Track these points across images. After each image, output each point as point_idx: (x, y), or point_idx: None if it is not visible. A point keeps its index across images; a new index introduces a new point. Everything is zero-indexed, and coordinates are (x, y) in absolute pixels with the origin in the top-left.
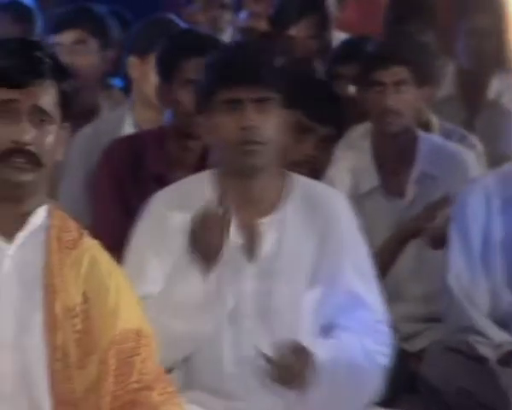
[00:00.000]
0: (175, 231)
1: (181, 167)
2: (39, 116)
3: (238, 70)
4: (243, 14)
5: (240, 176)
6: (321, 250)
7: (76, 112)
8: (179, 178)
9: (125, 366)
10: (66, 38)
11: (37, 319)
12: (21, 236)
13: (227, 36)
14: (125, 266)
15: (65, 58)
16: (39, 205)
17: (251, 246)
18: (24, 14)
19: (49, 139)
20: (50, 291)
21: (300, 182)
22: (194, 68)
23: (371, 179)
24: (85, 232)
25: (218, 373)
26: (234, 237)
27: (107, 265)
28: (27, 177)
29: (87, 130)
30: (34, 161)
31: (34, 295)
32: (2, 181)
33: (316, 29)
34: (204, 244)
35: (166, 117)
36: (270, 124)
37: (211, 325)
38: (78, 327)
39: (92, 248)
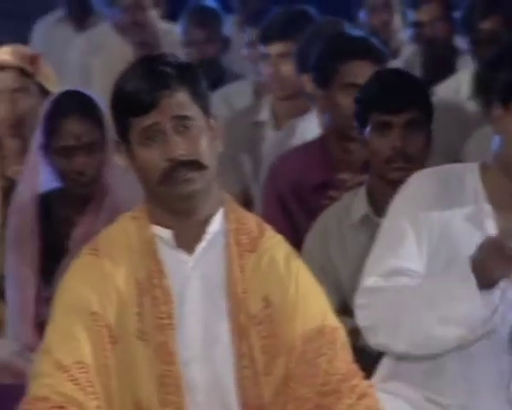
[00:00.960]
0: (432, 219)
1: (346, 171)
2: (182, 124)
3: None
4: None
5: None
6: None
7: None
8: (344, 182)
9: (311, 368)
10: (273, 49)
11: (224, 329)
12: (201, 246)
13: (401, 37)
14: (381, 235)
15: (269, 69)
16: (214, 211)
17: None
18: (208, 18)
19: (202, 140)
20: (234, 299)
21: None
22: (351, 71)
23: None
24: (267, 228)
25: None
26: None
27: (286, 263)
28: (196, 185)
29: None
30: (196, 167)
31: (219, 304)
32: (176, 197)
33: (501, 27)
34: (487, 271)
35: (325, 123)
36: None
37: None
38: (264, 333)
39: (271, 247)
